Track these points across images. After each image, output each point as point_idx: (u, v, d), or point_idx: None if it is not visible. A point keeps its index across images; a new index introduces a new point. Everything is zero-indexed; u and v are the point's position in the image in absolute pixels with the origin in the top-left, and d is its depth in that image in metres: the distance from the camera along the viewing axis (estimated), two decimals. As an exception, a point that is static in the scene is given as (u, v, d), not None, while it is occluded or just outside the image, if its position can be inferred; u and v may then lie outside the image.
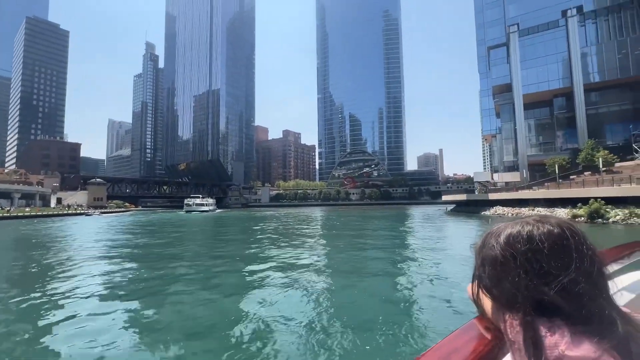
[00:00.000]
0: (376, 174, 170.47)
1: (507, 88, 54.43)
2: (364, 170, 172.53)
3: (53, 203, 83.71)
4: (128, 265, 12.36)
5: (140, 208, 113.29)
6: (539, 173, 50.80)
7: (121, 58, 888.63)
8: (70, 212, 63.28)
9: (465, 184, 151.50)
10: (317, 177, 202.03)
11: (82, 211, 65.70)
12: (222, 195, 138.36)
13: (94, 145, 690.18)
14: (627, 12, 43.51)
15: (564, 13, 46.86)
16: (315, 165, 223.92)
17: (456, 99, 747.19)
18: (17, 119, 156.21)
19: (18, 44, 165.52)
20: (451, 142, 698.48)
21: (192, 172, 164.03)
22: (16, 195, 69.54)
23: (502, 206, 41.42)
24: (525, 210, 36.17)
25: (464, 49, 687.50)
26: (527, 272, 0.70)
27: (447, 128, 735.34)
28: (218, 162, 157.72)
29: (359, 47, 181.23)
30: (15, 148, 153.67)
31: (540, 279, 0.69)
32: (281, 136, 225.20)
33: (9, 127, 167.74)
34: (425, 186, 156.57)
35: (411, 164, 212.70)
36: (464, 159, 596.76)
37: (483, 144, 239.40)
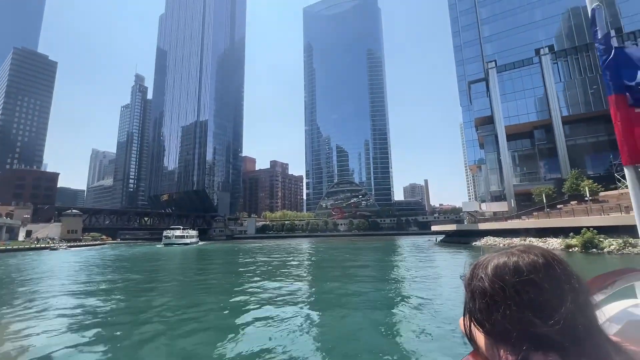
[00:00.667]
0: (364, 204, 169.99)
1: (489, 120, 56.21)
2: (352, 201, 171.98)
3: (22, 236, 78.00)
4: (70, 319, 10.43)
5: (119, 241, 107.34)
6: (524, 203, 51.05)
7: (109, 89, 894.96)
8: (32, 246, 57.44)
9: (451, 214, 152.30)
10: (305, 207, 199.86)
11: (46, 245, 60.12)
12: (206, 226, 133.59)
13: (75, 176, 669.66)
14: (595, 52, 46.60)
15: (537, 51, 49.97)
16: (302, 195, 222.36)
17: (439, 132, 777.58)
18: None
19: (3, 74, 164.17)
20: (435, 173, 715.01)
21: (176, 203, 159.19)
22: (-21, 227, 64.55)
23: (493, 236, 40.69)
24: (517, 241, 35.45)
25: (444, 84, 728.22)
26: (517, 304, 0.69)
27: (431, 159, 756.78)
28: (203, 193, 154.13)
29: (344, 82, 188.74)
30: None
31: (532, 311, 0.68)
32: (269, 167, 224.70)
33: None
34: (413, 216, 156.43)
35: (398, 195, 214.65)
36: (449, 189, 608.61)
37: (467, 175, 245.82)
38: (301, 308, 9.95)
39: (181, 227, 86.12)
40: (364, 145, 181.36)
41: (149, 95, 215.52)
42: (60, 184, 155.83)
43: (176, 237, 75.49)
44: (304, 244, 64.65)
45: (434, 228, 63.12)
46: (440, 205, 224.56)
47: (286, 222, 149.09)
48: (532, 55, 50.56)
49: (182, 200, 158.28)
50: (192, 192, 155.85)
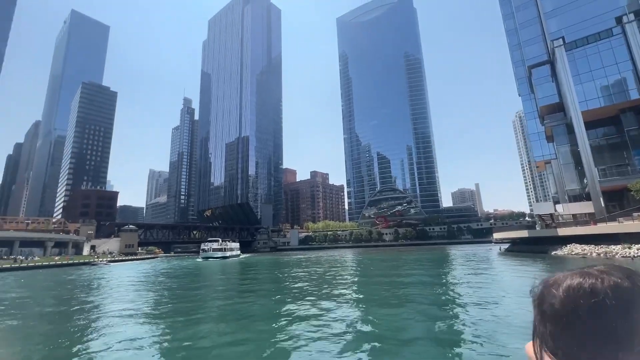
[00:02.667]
0: (411, 212, 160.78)
1: (558, 107, 48.28)
2: (396, 209, 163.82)
3: (86, 251, 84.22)
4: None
5: (172, 254, 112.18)
6: (612, 203, 42.14)
7: (162, 113, 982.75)
8: (72, 262, 58.52)
9: (510, 219, 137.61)
10: (347, 217, 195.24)
11: (86, 260, 61.57)
12: (250, 238, 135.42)
13: (136, 194, 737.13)
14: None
15: (618, 20, 41.65)
16: (344, 205, 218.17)
17: (488, 131, 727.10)
18: (67, 172, 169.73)
19: (74, 107, 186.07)
20: (485, 177, 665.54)
21: (222, 217, 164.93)
22: (49, 243, 70.27)
23: (579, 244, 33.30)
24: (616, 249, 28.14)
25: (492, 77, 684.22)
26: (596, 332, 0.60)
27: (480, 162, 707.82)
28: (247, 206, 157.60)
29: (382, 88, 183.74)
30: (63, 199, 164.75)
31: (615, 342, 0.58)
32: (309, 177, 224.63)
33: (59, 180, 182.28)
34: (465, 224, 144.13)
35: (446, 201, 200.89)
36: (502, 193, 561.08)
37: (525, 175, 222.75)
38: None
39: (219, 239, 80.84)
40: (406, 150, 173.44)
41: (196, 116, 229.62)
42: (124, 202, 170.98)
43: (214, 250, 70.65)
44: (348, 255, 60.57)
45: (496, 236, 55.29)
46: (495, 210, 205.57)
47: (329, 232, 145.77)
48: (611, 25, 42.17)
49: (227, 213, 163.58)
50: (236, 205, 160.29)
